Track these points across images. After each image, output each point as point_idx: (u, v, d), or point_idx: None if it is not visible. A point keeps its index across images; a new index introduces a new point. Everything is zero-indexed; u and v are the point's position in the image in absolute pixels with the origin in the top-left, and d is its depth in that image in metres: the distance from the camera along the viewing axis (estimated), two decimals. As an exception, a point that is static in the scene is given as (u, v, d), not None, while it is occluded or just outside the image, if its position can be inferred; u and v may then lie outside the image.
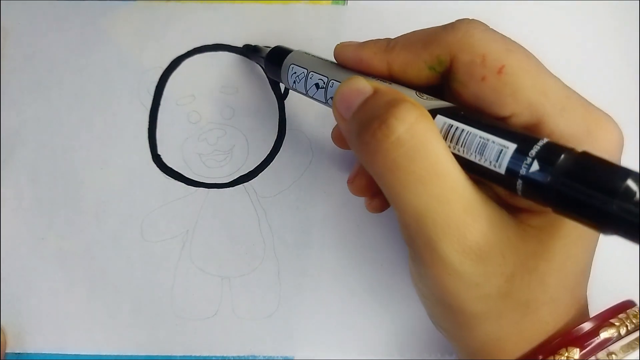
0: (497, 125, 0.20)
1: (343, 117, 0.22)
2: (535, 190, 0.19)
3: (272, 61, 0.28)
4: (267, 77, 0.31)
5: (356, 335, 0.29)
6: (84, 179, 0.31)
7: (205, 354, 0.29)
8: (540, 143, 0.19)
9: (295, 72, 0.27)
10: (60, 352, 0.29)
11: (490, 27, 0.22)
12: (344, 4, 0.32)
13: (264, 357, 0.29)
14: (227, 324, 0.29)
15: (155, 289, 0.30)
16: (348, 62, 0.25)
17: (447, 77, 0.22)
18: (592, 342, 0.21)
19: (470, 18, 0.22)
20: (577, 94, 0.21)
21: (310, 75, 0.26)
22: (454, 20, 0.22)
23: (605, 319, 0.22)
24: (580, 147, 0.19)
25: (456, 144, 0.20)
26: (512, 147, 0.19)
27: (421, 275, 0.22)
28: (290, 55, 0.28)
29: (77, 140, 0.31)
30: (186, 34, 0.31)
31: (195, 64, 0.31)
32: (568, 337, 0.21)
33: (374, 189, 0.26)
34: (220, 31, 0.32)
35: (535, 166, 0.18)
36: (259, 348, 0.29)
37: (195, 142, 0.31)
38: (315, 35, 0.31)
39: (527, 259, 0.21)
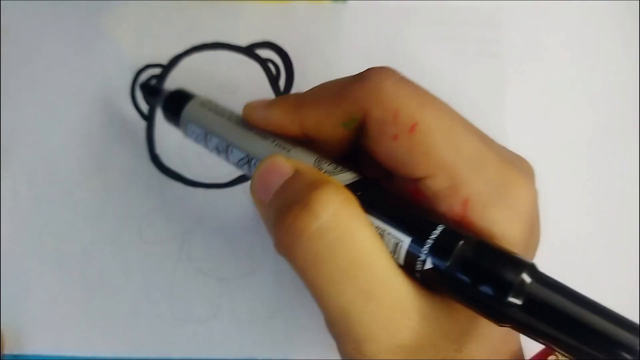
0: (394, 210, 0.19)
1: (262, 202, 0.20)
2: (434, 281, 0.18)
3: (169, 113, 0.26)
4: (267, 76, 0.31)
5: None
6: (82, 179, 0.30)
7: (204, 356, 0.29)
8: (434, 235, 0.18)
9: (194, 131, 0.24)
10: (57, 354, 0.29)
11: (402, 74, 0.20)
12: (344, 3, 0.31)
13: (263, 359, 0.29)
14: (226, 326, 0.29)
15: (153, 291, 0.30)
16: (258, 124, 0.23)
17: (361, 134, 0.21)
18: None
19: (381, 66, 0.20)
20: (493, 149, 0.20)
21: (208, 137, 0.23)
22: (365, 69, 0.20)
23: None
24: (490, 212, 0.19)
25: None
26: (407, 240, 0.18)
27: None
28: (185, 110, 0.24)
29: (75, 140, 0.30)
30: (185, 32, 0.31)
31: (193, 62, 0.31)
32: None
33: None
34: (219, 30, 0.31)
35: (429, 262, 0.18)
36: (258, 350, 0.29)
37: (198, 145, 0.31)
38: (315, 34, 0.31)
39: (459, 340, 0.19)
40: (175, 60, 0.31)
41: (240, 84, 0.31)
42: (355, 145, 0.22)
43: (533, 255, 0.21)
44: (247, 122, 0.23)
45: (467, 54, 0.31)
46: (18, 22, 0.31)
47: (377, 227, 0.19)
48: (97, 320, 0.29)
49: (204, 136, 0.24)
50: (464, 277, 0.17)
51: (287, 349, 0.29)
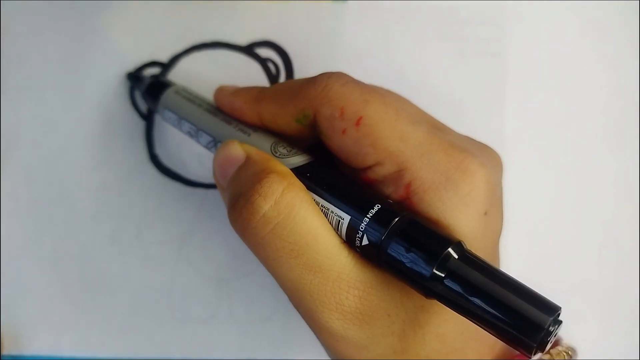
0: (338, 191, 0.21)
1: (221, 186, 0.23)
2: (372, 256, 0.20)
3: (149, 98, 0.28)
4: (267, 75, 0.31)
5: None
6: (81, 180, 0.30)
7: (202, 356, 0.29)
8: (371, 213, 0.19)
9: (170, 117, 0.27)
10: (56, 355, 0.29)
11: (353, 77, 0.22)
12: (344, 3, 0.31)
13: (262, 359, 0.29)
14: (225, 327, 0.29)
15: (152, 291, 0.30)
16: (224, 108, 0.25)
17: (315, 130, 0.23)
18: None
19: (332, 71, 0.22)
20: (444, 137, 0.21)
21: (182, 122, 0.26)
22: (317, 75, 0.22)
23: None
24: (430, 195, 0.20)
25: None
26: (347, 218, 0.20)
27: (318, 340, 0.22)
28: (162, 97, 0.27)
29: (74, 139, 0.30)
30: (184, 31, 0.31)
31: (193, 62, 0.31)
32: None
33: None
34: (219, 29, 0.31)
35: (365, 239, 0.19)
36: (257, 351, 0.29)
37: (193, 141, 0.30)
38: (315, 34, 0.31)
39: (417, 314, 0.20)
40: (175, 59, 0.31)
41: (240, 84, 0.31)
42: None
43: (493, 241, 0.22)
44: (217, 104, 0.26)
45: (467, 53, 0.31)
46: (18, 22, 0.31)
47: (322, 206, 0.21)
48: (96, 320, 0.29)
49: (178, 121, 0.26)
50: (395, 252, 0.19)
51: (286, 349, 0.29)
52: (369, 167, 0.21)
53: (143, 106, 0.31)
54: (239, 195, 0.20)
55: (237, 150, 0.22)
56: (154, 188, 0.30)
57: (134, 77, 0.30)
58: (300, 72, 0.31)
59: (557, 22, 0.31)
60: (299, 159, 0.22)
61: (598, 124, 0.31)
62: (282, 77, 0.31)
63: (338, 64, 0.31)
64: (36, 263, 0.30)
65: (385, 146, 0.20)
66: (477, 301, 0.17)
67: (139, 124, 0.31)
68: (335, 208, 0.20)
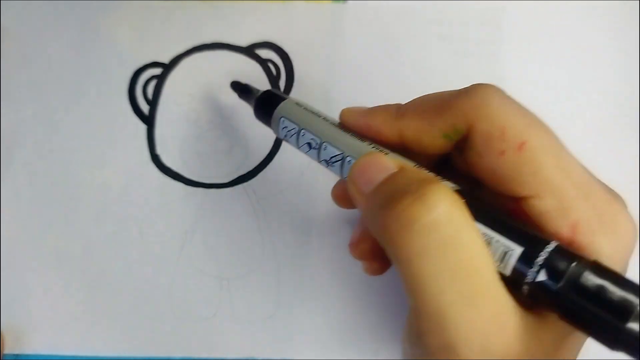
0: (502, 219, 0.19)
1: (361, 191, 0.20)
2: (542, 296, 0.18)
3: (261, 108, 0.27)
4: (267, 76, 0.31)
5: (356, 335, 0.29)
6: (83, 179, 0.30)
7: (204, 355, 0.29)
8: (549, 248, 0.18)
9: (286, 126, 0.25)
10: (58, 354, 0.29)
11: (507, 93, 0.20)
12: (344, 3, 0.31)
13: (263, 358, 0.29)
14: (226, 326, 0.29)
15: (153, 290, 0.30)
16: (355, 128, 0.23)
17: (461, 146, 0.21)
18: None
19: (486, 83, 0.20)
20: (596, 177, 0.20)
21: (302, 133, 0.25)
22: (470, 85, 0.21)
23: None
24: (599, 239, 0.18)
25: None
26: (518, 250, 0.18)
27: None
28: (281, 106, 0.26)
29: (76, 140, 0.31)
30: (185, 32, 0.31)
31: (194, 63, 0.31)
32: None
33: (379, 253, 0.24)
34: (220, 30, 0.31)
35: (542, 275, 0.17)
36: (258, 350, 0.29)
37: (194, 141, 0.31)
38: (315, 34, 0.31)
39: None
40: (176, 60, 0.31)
41: (240, 84, 0.31)
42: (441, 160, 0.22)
43: None
44: (344, 125, 0.24)
45: (467, 54, 0.31)
46: (18, 22, 0.31)
47: (483, 234, 0.18)
48: (97, 319, 0.29)
49: (297, 131, 0.25)
50: (579, 299, 0.17)
51: (286, 348, 0.29)
52: (522, 198, 0.19)
53: (144, 107, 0.31)
54: (403, 193, 0.18)
55: (387, 159, 0.20)
56: (156, 188, 0.30)
57: (241, 87, 0.29)
58: (300, 73, 0.31)
59: (557, 23, 0.32)
60: (449, 184, 0.20)
61: (598, 124, 0.31)
62: (283, 78, 0.31)
63: (338, 65, 0.31)
64: (38, 262, 0.30)
65: (548, 177, 0.19)
66: None
67: (141, 124, 0.31)
68: (502, 237, 0.18)
